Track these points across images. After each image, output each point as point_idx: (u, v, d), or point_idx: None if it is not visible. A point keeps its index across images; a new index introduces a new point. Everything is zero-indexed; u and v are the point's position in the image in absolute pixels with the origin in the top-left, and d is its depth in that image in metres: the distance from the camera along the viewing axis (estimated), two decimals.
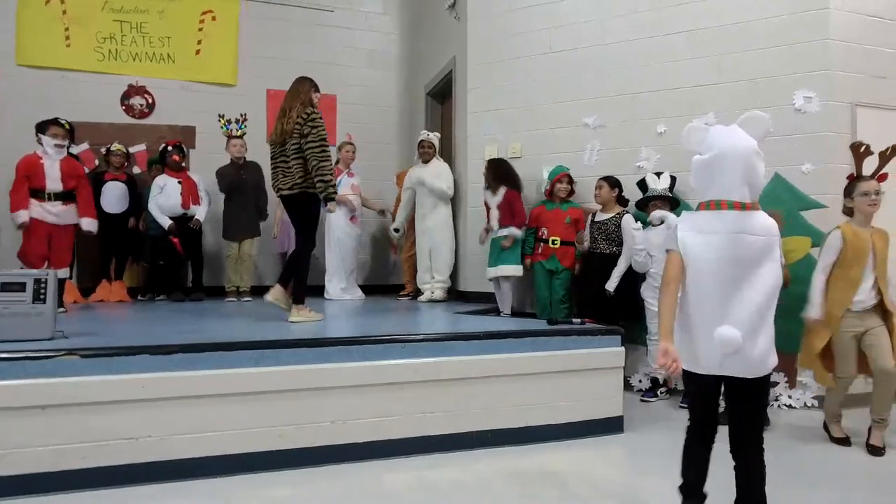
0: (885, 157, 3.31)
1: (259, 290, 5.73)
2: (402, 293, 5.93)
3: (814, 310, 3.23)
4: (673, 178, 4.18)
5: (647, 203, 4.14)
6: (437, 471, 2.83)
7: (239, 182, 5.61)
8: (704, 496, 2.02)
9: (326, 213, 3.79)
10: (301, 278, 3.77)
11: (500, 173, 4.75)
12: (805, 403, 3.98)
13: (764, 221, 1.88)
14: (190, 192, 5.55)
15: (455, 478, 2.75)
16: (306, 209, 3.71)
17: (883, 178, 3.26)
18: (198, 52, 6.55)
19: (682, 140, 2.03)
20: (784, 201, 4.02)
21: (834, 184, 3.61)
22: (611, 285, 4.23)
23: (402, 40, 7.19)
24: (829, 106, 4.09)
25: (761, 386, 1.92)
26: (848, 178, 3.36)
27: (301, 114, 3.58)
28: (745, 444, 1.92)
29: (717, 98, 4.33)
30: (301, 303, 3.74)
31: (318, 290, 5.55)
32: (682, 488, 2.04)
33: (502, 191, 4.70)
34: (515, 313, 4.74)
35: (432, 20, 6.46)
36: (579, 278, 4.58)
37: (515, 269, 4.64)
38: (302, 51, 6.63)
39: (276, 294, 3.69)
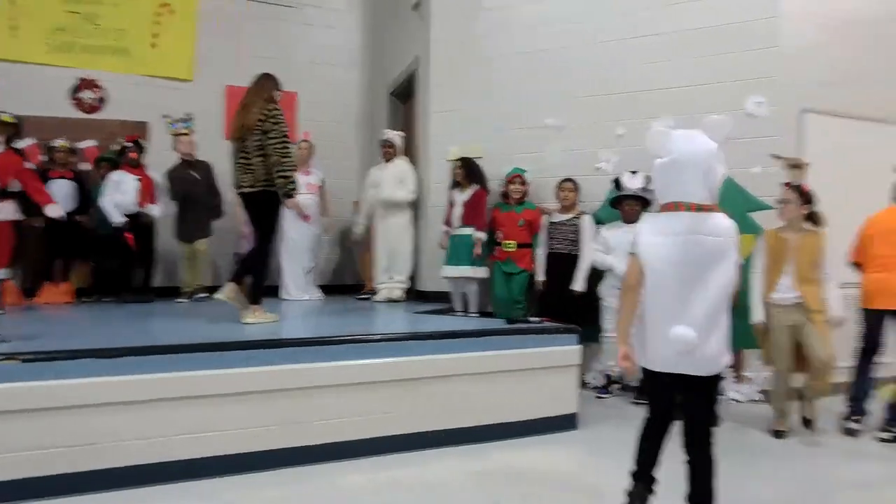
0: (796, 169, 3.57)
1: (215, 290, 5.61)
2: (361, 293, 5.87)
3: (755, 313, 3.49)
4: (648, 178, 4.24)
5: (621, 201, 4.20)
6: (395, 471, 2.81)
7: (191, 183, 5.47)
8: (653, 479, 2.08)
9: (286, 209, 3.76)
10: (259, 278, 3.70)
11: (472, 171, 4.76)
12: (751, 398, 4.11)
13: (720, 222, 1.92)
14: (147, 191, 5.38)
15: (414, 478, 2.74)
16: (267, 208, 3.64)
17: (803, 187, 3.49)
18: (153, 45, 6.36)
19: (646, 143, 2.06)
20: (735, 203, 4.13)
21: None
22: (578, 285, 4.28)
23: (365, 38, 7.13)
24: (779, 111, 4.23)
25: (712, 383, 1.98)
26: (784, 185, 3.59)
27: (262, 109, 3.53)
28: (696, 438, 1.98)
29: (673, 102, 4.41)
30: (257, 303, 3.68)
31: (275, 291, 5.46)
32: (633, 472, 2.11)
33: (472, 189, 4.70)
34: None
35: (395, 19, 6.43)
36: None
37: (478, 272, 4.62)
38: (262, 47, 6.50)
39: (229, 292, 3.59)
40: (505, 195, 4.70)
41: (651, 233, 1.97)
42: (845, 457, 3.15)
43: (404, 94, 6.40)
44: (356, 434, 2.96)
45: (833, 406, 3.72)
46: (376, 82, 6.98)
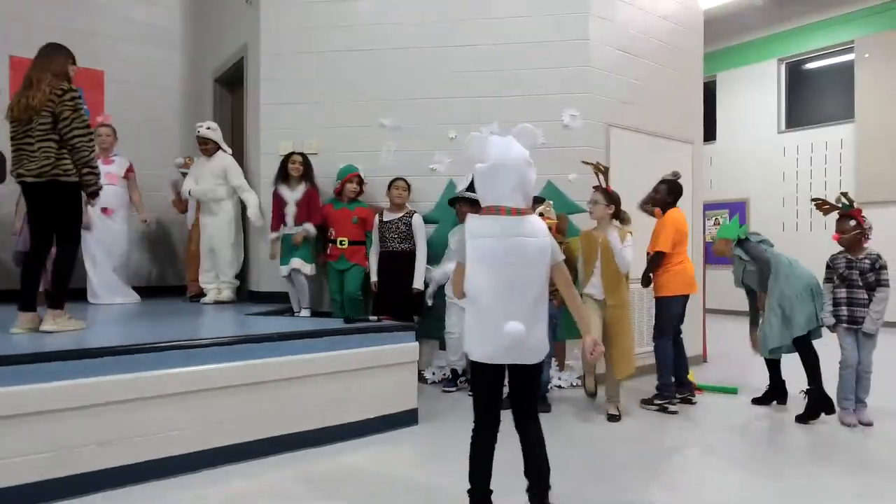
0: (599, 173, 3.98)
1: None
2: (189, 295, 5.41)
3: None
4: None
5: (454, 204, 4.37)
6: (224, 485, 2.64)
7: None
8: (490, 492, 2.17)
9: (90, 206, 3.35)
10: (63, 281, 3.21)
11: (308, 169, 4.63)
12: (571, 383, 4.56)
13: (536, 225, 2.08)
14: None
15: (244, 489, 2.60)
16: (59, 201, 3.13)
17: (608, 189, 3.89)
18: None
19: (465, 148, 2.15)
20: (555, 206, 4.53)
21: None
22: (417, 283, 4.37)
23: (187, 18, 6.56)
24: (590, 124, 4.72)
25: (538, 369, 2.17)
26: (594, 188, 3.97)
27: (55, 89, 3.05)
28: (527, 417, 2.17)
29: (500, 109, 4.72)
30: (59, 308, 3.20)
31: (79, 294, 4.81)
32: (471, 492, 2.16)
33: (304, 187, 4.56)
34: (313, 312, 4.64)
35: (221, 1, 6.01)
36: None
37: (306, 265, 4.52)
38: (60, 15, 5.66)
39: (51, 322, 3.13)
40: (339, 193, 4.66)
41: (474, 235, 2.07)
42: (658, 429, 3.62)
43: (231, 82, 6.02)
44: (184, 448, 2.73)
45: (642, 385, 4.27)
46: (200, 66, 6.47)
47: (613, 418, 3.73)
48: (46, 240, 3.19)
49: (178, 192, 5.48)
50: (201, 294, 5.19)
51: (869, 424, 3.58)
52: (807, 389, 3.79)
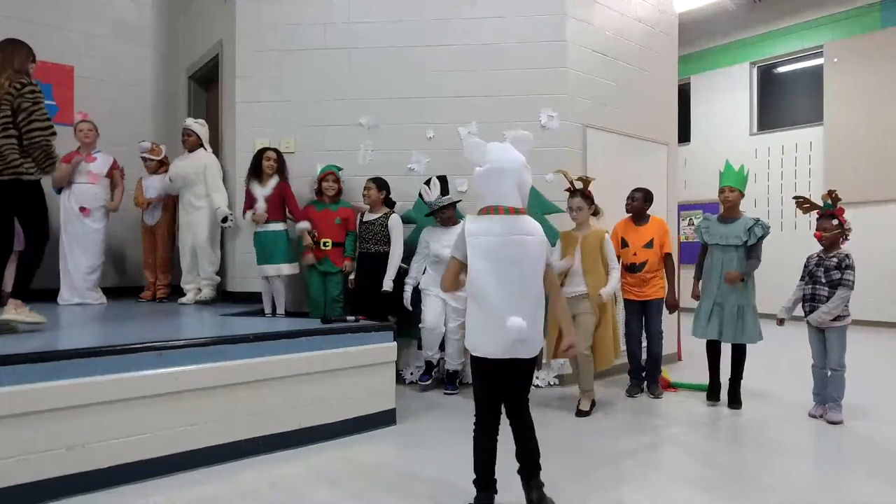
0: (581, 182, 3.99)
1: None
2: (159, 294, 5.32)
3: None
4: (443, 180, 4.40)
5: (434, 214, 4.36)
6: (198, 488, 2.60)
7: None
8: (495, 482, 2.27)
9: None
10: (28, 274, 3.14)
11: (281, 165, 4.59)
12: (549, 382, 4.59)
13: (533, 224, 2.20)
14: None
15: (217, 492, 2.56)
16: (24, 198, 3.07)
17: (588, 192, 3.93)
18: None
19: (465, 152, 2.26)
20: (532, 206, 4.55)
21: None
22: (386, 285, 4.34)
23: (159, 14, 6.44)
24: (567, 125, 4.75)
25: (534, 363, 2.27)
26: (566, 190, 4.00)
27: (14, 83, 3.00)
28: (521, 407, 2.27)
29: (477, 109, 4.73)
30: (20, 299, 3.13)
31: (50, 295, 4.70)
32: (477, 482, 2.25)
33: (274, 182, 4.52)
34: (290, 313, 4.60)
35: None
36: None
37: (286, 267, 4.50)
38: (27, 8, 5.52)
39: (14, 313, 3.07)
40: (318, 193, 4.62)
41: (475, 234, 2.15)
42: (627, 431, 3.66)
43: (206, 80, 5.92)
44: (157, 452, 2.69)
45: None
46: (174, 63, 6.36)
47: (582, 413, 3.79)
48: (8, 238, 3.13)
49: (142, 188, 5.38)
50: (164, 295, 5.16)
51: (835, 423, 3.62)
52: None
